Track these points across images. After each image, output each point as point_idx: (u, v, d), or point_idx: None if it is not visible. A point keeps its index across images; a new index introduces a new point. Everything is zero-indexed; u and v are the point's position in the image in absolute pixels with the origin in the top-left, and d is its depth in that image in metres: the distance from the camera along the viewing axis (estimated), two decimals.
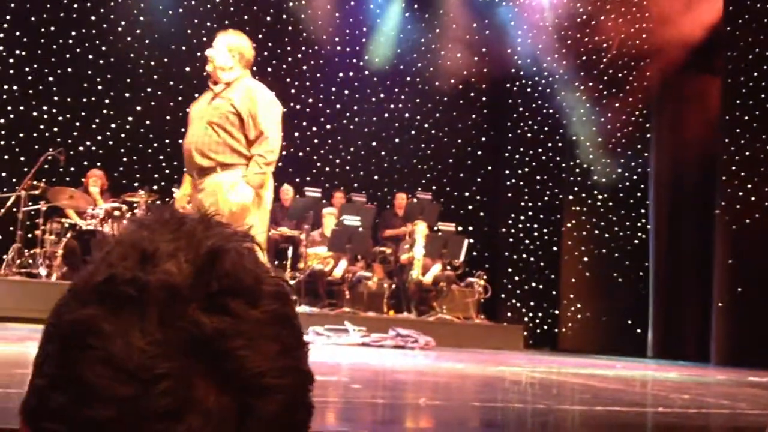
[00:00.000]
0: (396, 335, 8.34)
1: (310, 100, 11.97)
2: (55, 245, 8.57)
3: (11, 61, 10.40)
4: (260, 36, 11.61)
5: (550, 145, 12.16)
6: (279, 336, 0.54)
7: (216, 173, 4.38)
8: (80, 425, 0.50)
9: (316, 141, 11.95)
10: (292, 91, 11.82)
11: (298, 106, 11.85)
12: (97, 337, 0.51)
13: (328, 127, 12.04)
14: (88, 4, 10.79)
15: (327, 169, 11.98)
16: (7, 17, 10.42)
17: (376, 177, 12.19)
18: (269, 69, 11.63)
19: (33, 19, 10.51)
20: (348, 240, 9.72)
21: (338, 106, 12.11)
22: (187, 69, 10.63)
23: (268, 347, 0.53)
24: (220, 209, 4.17)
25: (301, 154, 11.76)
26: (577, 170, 11.67)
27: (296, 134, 11.75)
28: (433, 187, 11.99)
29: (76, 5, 10.74)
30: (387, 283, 10.21)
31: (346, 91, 12.16)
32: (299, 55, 11.92)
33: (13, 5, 10.42)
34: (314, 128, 11.97)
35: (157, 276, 0.52)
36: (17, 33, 10.46)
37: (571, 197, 11.79)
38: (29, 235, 8.91)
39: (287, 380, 0.53)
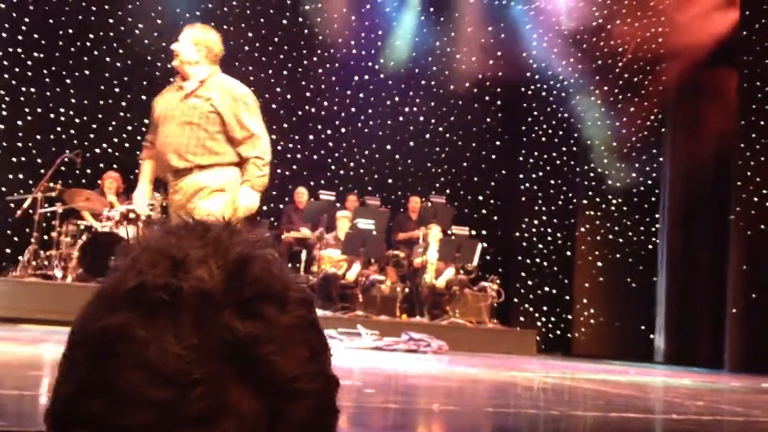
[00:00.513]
0: (409, 339, 8.33)
1: (325, 103, 12.00)
2: (71, 247, 8.60)
3: (29, 63, 10.48)
4: (276, 39, 11.69)
5: (564, 149, 12.13)
6: (308, 341, 0.55)
7: (192, 174, 4.22)
8: (112, 431, 0.50)
9: (330, 144, 11.98)
10: (307, 94, 11.86)
11: (312, 109, 11.89)
12: (130, 342, 0.51)
13: (343, 130, 12.06)
14: (106, 7, 10.86)
15: (341, 172, 11.99)
16: (26, 20, 10.50)
17: (390, 180, 12.20)
18: (285, 72, 11.69)
19: (51, 21, 10.59)
20: (362, 243, 9.73)
21: (353, 109, 12.13)
22: None
23: (298, 352, 0.54)
24: (197, 212, 4.05)
25: (315, 157, 11.80)
26: (591, 175, 11.63)
27: (311, 137, 11.79)
28: (447, 191, 11.99)
29: (93, 8, 10.82)
30: (400, 286, 10.21)
31: (361, 95, 12.17)
32: (314, 59, 11.94)
33: (31, 8, 10.50)
34: (329, 131, 11.99)
35: (189, 282, 0.53)
36: (35, 35, 10.54)
37: (585, 202, 11.75)
38: (45, 237, 8.96)
39: (317, 385, 0.55)
